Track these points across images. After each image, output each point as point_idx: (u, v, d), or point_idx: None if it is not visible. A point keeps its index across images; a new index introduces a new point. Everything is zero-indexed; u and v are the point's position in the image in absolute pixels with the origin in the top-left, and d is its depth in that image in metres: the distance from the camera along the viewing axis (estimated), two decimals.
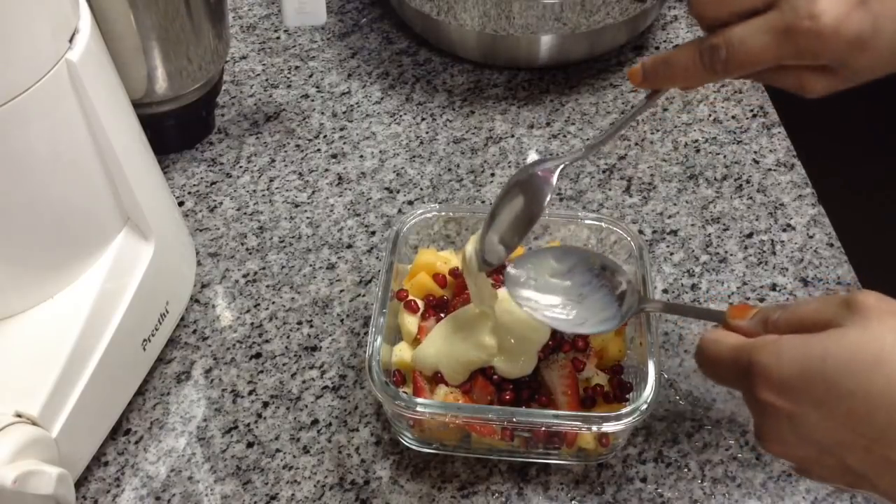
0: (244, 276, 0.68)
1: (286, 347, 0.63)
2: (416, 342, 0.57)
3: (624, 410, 0.51)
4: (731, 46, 0.44)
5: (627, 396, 0.55)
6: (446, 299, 0.59)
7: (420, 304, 0.59)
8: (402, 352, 0.57)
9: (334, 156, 0.77)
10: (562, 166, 0.51)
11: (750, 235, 0.70)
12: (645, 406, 0.51)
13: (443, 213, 0.62)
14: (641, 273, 0.58)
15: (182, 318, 0.64)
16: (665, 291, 0.66)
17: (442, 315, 0.58)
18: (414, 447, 0.56)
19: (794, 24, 0.42)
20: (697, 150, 0.77)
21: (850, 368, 0.37)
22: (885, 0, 0.42)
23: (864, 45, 0.42)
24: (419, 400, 0.52)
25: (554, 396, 0.55)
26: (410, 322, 0.58)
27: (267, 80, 0.84)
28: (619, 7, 0.78)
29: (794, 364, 0.38)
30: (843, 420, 0.37)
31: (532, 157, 0.77)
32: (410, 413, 0.52)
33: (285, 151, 0.77)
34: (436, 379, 0.55)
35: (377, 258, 0.69)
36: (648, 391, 0.52)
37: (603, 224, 0.61)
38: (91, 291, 0.54)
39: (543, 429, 0.53)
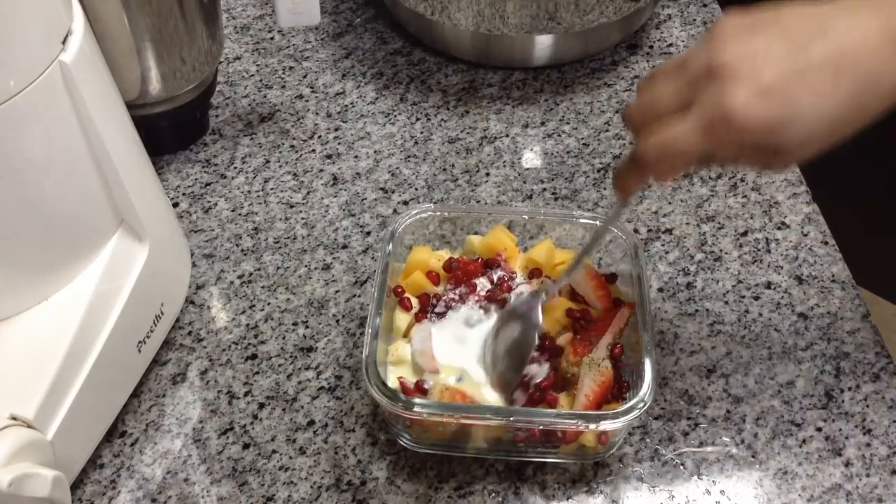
0: (239, 277, 0.68)
1: (282, 348, 0.63)
2: (404, 339, 0.58)
3: (622, 408, 0.51)
4: (655, 149, 0.45)
5: (625, 395, 0.55)
6: (439, 296, 0.59)
7: (415, 302, 0.59)
8: (399, 350, 0.57)
9: (329, 156, 0.77)
10: (543, 300, 0.57)
11: (744, 234, 0.70)
12: (642, 404, 0.51)
13: (437, 213, 0.62)
14: (637, 272, 0.58)
15: (177, 320, 0.64)
16: (660, 290, 0.66)
17: (433, 316, 0.58)
18: (411, 448, 0.56)
19: (709, 122, 0.43)
20: None
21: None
22: (790, 82, 0.42)
23: (782, 127, 0.42)
24: (416, 400, 0.52)
25: (575, 392, 0.54)
26: (401, 318, 0.58)
27: (261, 80, 0.84)
28: (612, 6, 0.78)
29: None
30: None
31: (527, 157, 0.77)
32: (408, 414, 0.52)
33: (280, 152, 0.77)
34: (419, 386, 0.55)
35: (372, 258, 0.69)
36: (646, 389, 0.52)
37: (598, 223, 0.61)
38: (86, 293, 0.53)
39: (541, 428, 0.53)
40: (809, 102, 0.42)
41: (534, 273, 0.60)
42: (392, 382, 0.56)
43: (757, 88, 0.42)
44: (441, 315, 0.58)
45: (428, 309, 0.59)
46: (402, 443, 0.56)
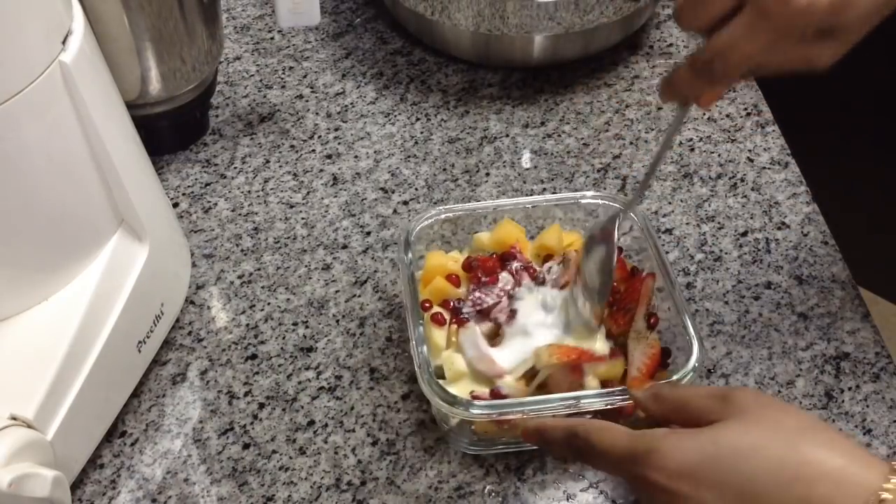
0: (239, 277, 0.68)
1: (282, 348, 0.63)
2: (448, 351, 0.56)
3: (681, 373, 0.52)
4: (722, 55, 0.45)
5: (668, 361, 0.55)
6: (461, 299, 0.58)
7: (445, 314, 0.57)
8: (455, 364, 0.55)
9: (329, 156, 0.77)
10: (618, 221, 0.56)
11: (744, 234, 0.70)
12: (697, 364, 0.52)
13: (444, 215, 0.61)
14: (652, 242, 0.58)
15: (177, 320, 0.64)
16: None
17: (465, 318, 0.57)
18: (473, 452, 0.56)
19: (769, 13, 0.42)
20: (692, 149, 0.77)
21: (737, 458, 0.41)
22: None
23: (845, 3, 0.42)
24: (478, 402, 0.51)
25: (627, 368, 0.54)
26: (438, 336, 0.56)
27: (261, 80, 0.84)
28: (612, 6, 0.78)
29: (691, 453, 0.42)
30: (733, 499, 0.41)
31: (527, 157, 0.77)
32: (472, 416, 0.51)
33: (280, 152, 0.77)
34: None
35: (372, 258, 0.69)
36: (696, 349, 0.52)
37: (601, 202, 0.61)
38: (86, 293, 0.53)
39: (609, 406, 0.52)
40: None
41: (547, 258, 0.60)
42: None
43: None
44: (474, 315, 0.57)
45: (460, 314, 0.57)
46: (463, 450, 0.56)
